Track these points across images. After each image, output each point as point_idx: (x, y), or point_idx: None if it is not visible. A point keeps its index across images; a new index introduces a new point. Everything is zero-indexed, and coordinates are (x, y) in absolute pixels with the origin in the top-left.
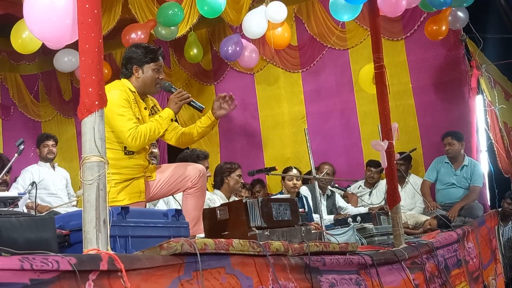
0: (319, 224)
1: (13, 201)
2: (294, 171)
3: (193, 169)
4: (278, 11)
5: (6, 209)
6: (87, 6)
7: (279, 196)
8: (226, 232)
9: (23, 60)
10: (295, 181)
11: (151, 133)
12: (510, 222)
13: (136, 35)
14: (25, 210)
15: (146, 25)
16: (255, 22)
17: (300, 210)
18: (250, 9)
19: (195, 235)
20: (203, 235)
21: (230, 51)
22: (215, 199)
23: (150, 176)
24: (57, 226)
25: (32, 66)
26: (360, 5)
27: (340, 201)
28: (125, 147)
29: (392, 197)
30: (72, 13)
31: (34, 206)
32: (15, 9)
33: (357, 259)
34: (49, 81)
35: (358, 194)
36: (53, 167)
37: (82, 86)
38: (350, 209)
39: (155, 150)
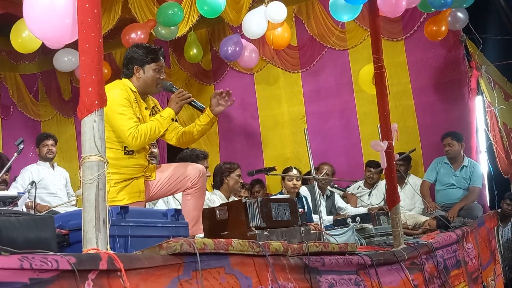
0: (318, 225)
1: (13, 200)
2: (294, 172)
3: (193, 169)
4: (278, 11)
5: (5, 208)
6: (87, 5)
7: (278, 196)
8: (225, 232)
9: (23, 60)
10: (295, 182)
11: (152, 132)
12: (510, 223)
13: (136, 35)
14: (25, 210)
15: (146, 25)
16: (255, 22)
17: (300, 210)
18: (250, 9)
19: (194, 235)
20: (202, 235)
21: (230, 51)
22: (215, 199)
23: (150, 175)
24: (56, 226)
25: (32, 66)
26: (360, 6)
27: (339, 202)
28: (125, 147)
29: (392, 198)
30: (72, 12)
31: (33, 206)
32: (15, 8)
33: (356, 260)
34: (49, 81)
35: (357, 195)
36: (53, 167)
37: (82, 85)
38: (350, 210)
39: (155, 150)
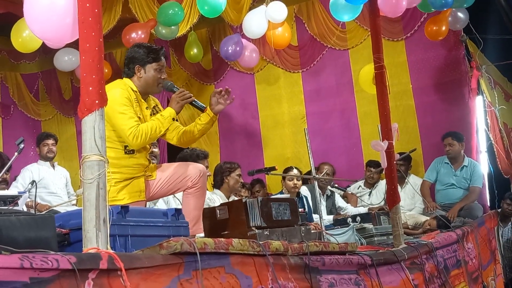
0: (318, 224)
1: (13, 199)
2: (295, 171)
3: (194, 169)
4: (279, 11)
5: (6, 207)
6: (87, 5)
7: (279, 196)
8: (225, 232)
9: (23, 59)
10: (295, 181)
11: (152, 132)
12: (510, 223)
13: (137, 35)
14: (25, 209)
15: (147, 25)
16: (255, 22)
17: (300, 210)
18: (250, 9)
19: (195, 234)
20: (203, 234)
21: (230, 51)
22: (215, 198)
23: (150, 175)
24: (57, 225)
25: (32, 65)
26: (360, 6)
27: (339, 201)
28: (125, 146)
29: (392, 198)
30: (72, 12)
31: (34, 205)
32: (15, 8)
33: (356, 259)
34: (49, 80)
35: (357, 194)
36: (53, 166)
37: (83, 85)
38: (350, 209)
39: (156, 150)
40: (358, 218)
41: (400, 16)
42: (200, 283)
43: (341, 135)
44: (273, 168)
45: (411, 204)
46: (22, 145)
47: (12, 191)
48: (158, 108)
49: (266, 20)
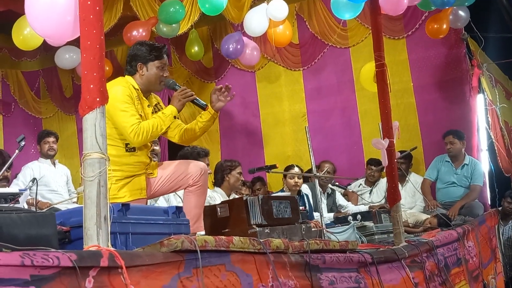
0: (319, 222)
1: (14, 197)
2: (296, 169)
3: (195, 167)
4: (280, 9)
5: (7, 205)
6: (88, 3)
7: (279, 194)
8: (226, 230)
9: (24, 57)
10: (296, 179)
11: (154, 130)
12: (510, 221)
13: (138, 33)
14: (26, 207)
15: (148, 23)
16: (256, 20)
17: (301, 208)
18: (251, 6)
19: (195, 232)
20: (203, 232)
21: (231, 49)
22: (216, 196)
23: (151, 173)
24: (57, 223)
25: (33, 63)
26: (361, 4)
27: (340, 199)
28: (126, 144)
29: (393, 196)
30: (73, 10)
31: (34, 203)
32: (16, 5)
33: (357, 257)
34: (50, 78)
35: (358, 193)
36: (54, 164)
37: (84, 82)
38: (351, 207)
39: (157, 148)
40: (359, 216)
41: (401, 14)
42: (200, 281)
43: (342, 133)
44: (274, 166)
45: (411, 202)
46: (23, 143)
47: (13, 188)
48: (160, 106)
49: (267, 18)
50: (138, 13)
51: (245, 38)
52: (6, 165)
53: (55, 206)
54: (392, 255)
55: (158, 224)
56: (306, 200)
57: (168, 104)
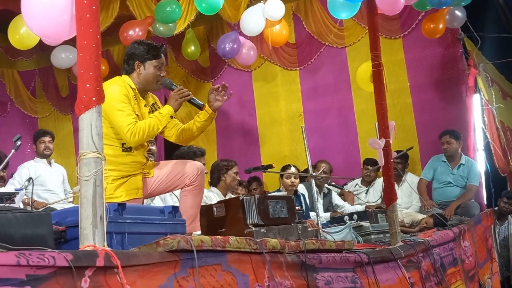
0: (315, 222)
1: (10, 196)
2: (292, 169)
3: (191, 167)
4: (276, 9)
5: (2, 204)
6: (85, 2)
7: (276, 193)
8: (222, 229)
9: (20, 56)
10: (293, 179)
11: (150, 129)
12: (506, 221)
13: (134, 32)
14: (22, 206)
15: (144, 22)
16: (253, 20)
17: (297, 208)
18: (248, 6)
19: (191, 232)
20: (200, 232)
21: (227, 49)
22: (212, 196)
23: (148, 173)
24: (53, 222)
25: (29, 62)
26: (358, 3)
27: (336, 199)
28: (123, 144)
29: (389, 196)
30: (70, 9)
31: (30, 202)
32: (13, 4)
33: (353, 257)
34: (46, 77)
35: (354, 192)
36: (50, 164)
37: (80, 82)
38: (347, 207)
39: (153, 147)
40: (355, 216)
41: (398, 14)
42: (196, 281)
43: (338, 133)
44: (270, 166)
45: (408, 202)
46: (19, 142)
47: (8, 188)
48: (157, 105)
49: (264, 18)
50: (134, 12)
51: (241, 38)
52: (2, 165)
53: (51, 205)
54: (388, 255)
55: (154, 224)
56: (302, 200)
57: (165, 104)
